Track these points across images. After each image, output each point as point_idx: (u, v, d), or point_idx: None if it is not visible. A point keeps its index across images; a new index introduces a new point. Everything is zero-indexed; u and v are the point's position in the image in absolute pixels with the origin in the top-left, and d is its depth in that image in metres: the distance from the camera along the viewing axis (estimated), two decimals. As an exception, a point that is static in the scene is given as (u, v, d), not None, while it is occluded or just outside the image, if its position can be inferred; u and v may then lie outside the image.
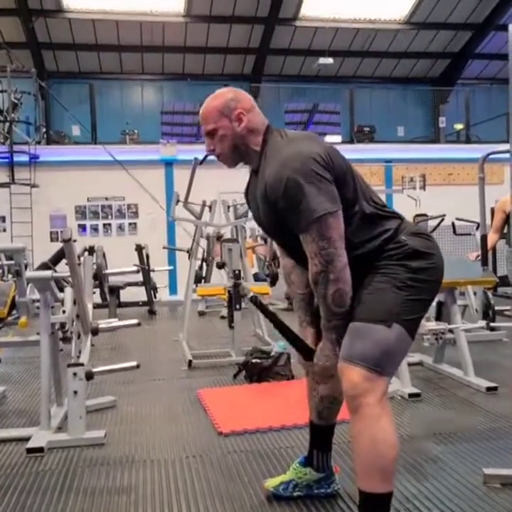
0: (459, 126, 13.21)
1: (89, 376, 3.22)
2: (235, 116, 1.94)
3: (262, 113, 2.01)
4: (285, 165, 1.82)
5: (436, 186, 10.72)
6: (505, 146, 4.07)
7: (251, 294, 2.42)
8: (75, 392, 3.08)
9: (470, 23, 13.06)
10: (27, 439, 3.07)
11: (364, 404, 1.81)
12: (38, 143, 10.34)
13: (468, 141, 12.38)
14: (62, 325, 3.43)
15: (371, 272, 1.93)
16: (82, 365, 3.21)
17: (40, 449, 2.97)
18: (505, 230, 5.35)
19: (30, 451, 2.97)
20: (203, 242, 7.56)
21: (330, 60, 12.64)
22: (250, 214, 7.11)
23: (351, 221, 1.90)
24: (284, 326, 2.13)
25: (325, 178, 1.80)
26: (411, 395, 3.73)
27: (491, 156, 5.01)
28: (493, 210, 5.71)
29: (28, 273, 3.43)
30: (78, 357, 3.84)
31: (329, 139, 14.01)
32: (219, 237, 7.35)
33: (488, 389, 3.83)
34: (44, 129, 10.90)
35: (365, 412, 1.81)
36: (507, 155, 3.77)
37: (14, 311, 3.94)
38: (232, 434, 3.16)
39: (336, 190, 1.83)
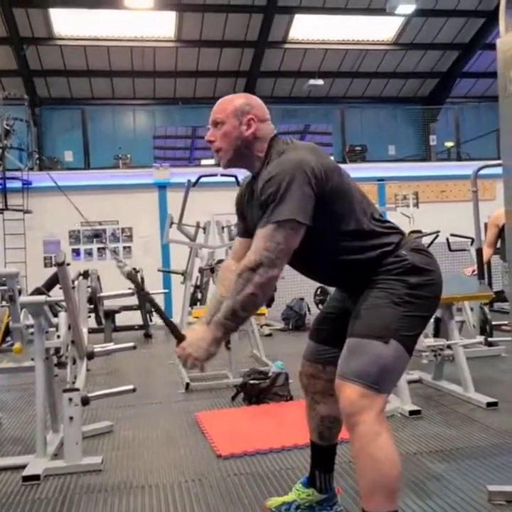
0: (449, 144, 13.33)
1: (85, 401, 3.18)
2: (245, 120, 1.95)
3: (272, 125, 2.04)
4: (278, 165, 1.85)
5: (429, 203, 10.78)
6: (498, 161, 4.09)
7: (127, 268, 2.42)
8: (71, 418, 3.03)
9: (457, 43, 13.26)
10: (23, 467, 3.01)
11: (361, 422, 1.77)
12: (31, 169, 10.37)
13: (459, 158, 12.49)
14: (57, 350, 3.39)
15: (369, 286, 1.92)
16: (77, 390, 3.16)
17: (37, 477, 2.92)
18: (498, 245, 5.37)
19: (26, 479, 2.91)
20: (198, 265, 7.53)
21: (320, 81, 12.78)
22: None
23: (343, 235, 1.91)
24: (158, 306, 2.19)
25: (308, 191, 1.79)
26: (411, 413, 3.69)
27: (482, 172, 5.02)
28: (486, 226, 5.73)
29: (22, 298, 3.40)
30: (74, 382, 3.78)
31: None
32: (212, 270, 7.21)
33: (489, 404, 3.80)
34: (37, 155, 10.93)
35: (363, 430, 1.77)
36: (499, 170, 3.79)
37: (8, 338, 3.90)
38: (232, 457, 3.11)
39: (318, 206, 1.82)
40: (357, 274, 1.95)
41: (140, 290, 2.31)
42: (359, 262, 1.93)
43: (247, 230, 2.10)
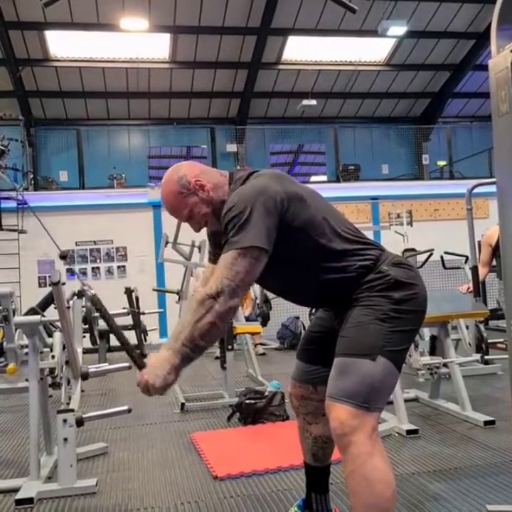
0: (441, 163, 13.46)
1: (80, 422, 3.14)
2: (193, 187, 1.93)
3: (214, 169, 2.04)
4: (240, 192, 1.83)
5: (423, 222, 10.84)
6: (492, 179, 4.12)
7: (91, 291, 2.42)
8: (65, 440, 3.00)
9: (448, 63, 13.43)
10: (16, 490, 2.96)
11: (353, 443, 1.73)
12: (26, 189, 10.38)
13: (452, 177, 12.59)
14: (52, 370, 3.36)
15: (354, 305, 1.89)
16: (72, 411, 3.12)
17: (30, 500, 2.87)
18: (494, 263, 5.38)
19: (19, 502, 2.86)
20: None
21: (313, 102, 12.89)
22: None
23: (314, 258, 1.88)
24: (120, 332, 2.16)
25: (268, 218, 1.76)
26: (409, 432, 3.66)
27: (475, 191, 5.04)
28: (479, 244, 5.75)
29: (17, 318, 3.38)
30: (68, 403, 3.75)
31: (315, 178, 14.21)
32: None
33: (486, 423, 3.78)
34: (31, 175, 10.95)
35: (355, 451, 1.74)
36: (492, 188, 3.81)
37: (2, 358, 3.87)
38: (228, 478, 3.08)
39: (282, 232, 1.80)
40: (337, 293, 1.93)
41: (104, 313, 2.25)
42: (337, 282, 1.90)
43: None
